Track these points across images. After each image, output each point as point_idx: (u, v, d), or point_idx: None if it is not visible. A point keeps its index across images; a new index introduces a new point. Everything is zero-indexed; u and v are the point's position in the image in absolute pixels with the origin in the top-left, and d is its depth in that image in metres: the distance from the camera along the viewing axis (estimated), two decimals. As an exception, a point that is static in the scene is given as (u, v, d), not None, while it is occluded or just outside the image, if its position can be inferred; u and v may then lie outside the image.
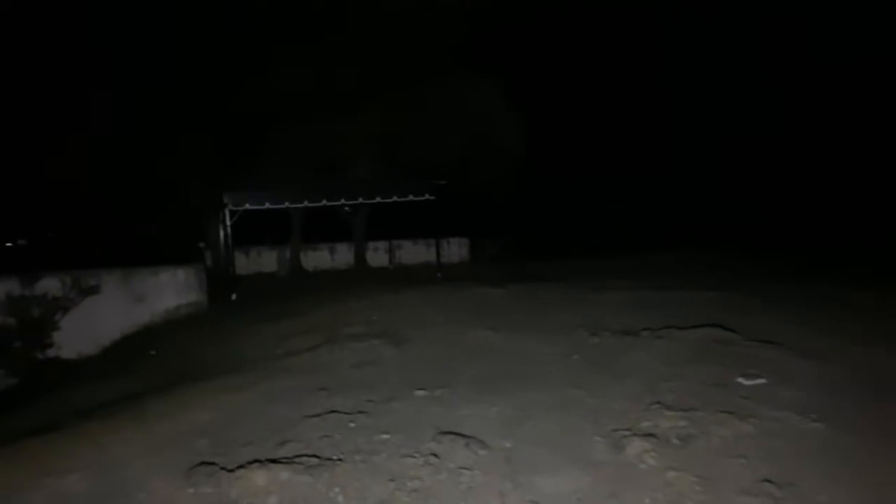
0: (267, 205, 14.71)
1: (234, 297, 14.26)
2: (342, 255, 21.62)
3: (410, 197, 16.07)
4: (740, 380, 5.57)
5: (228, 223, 14.47)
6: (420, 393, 5.74)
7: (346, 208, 18.85)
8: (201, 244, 18.26)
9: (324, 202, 15.17)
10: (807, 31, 21.20)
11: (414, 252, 21.95)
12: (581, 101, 22.82)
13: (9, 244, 26.97)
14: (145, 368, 9.26)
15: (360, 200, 15.75)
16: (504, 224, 26.97)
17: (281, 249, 20.69)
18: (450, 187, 24.44)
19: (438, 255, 17.04)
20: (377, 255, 21.84)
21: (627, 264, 16.33)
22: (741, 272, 14.19)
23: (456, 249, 22.91)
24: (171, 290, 12.26)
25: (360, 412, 5.29)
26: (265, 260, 20.71)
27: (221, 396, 6.21)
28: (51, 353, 11.09)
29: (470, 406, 5.34)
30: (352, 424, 4.99)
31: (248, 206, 14.53)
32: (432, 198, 16.16)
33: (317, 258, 21.43)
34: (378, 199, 15.60)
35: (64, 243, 23.23)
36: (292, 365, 7.52)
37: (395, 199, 15.80)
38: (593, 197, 26.71)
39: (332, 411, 5.34)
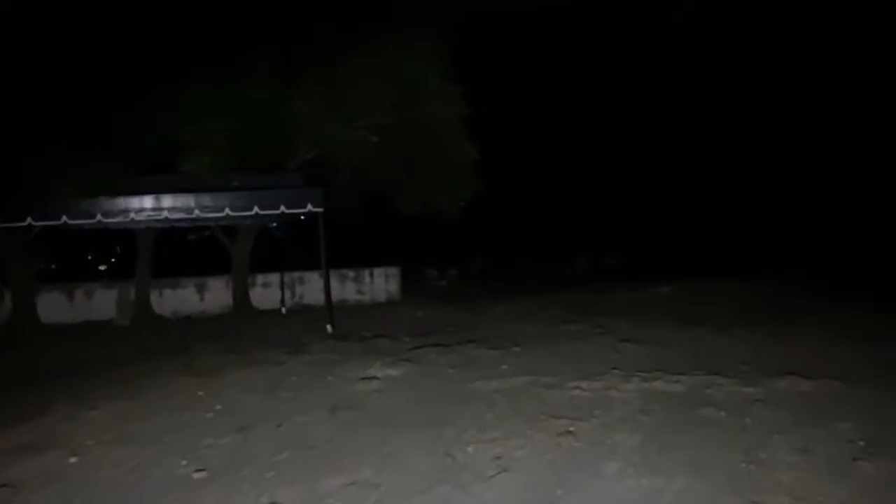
0: (30, 221, 9.29)
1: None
2: (217, 295, 16.01)
3: (282, 209, 10.74)
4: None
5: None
6: None
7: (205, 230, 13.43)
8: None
9: (131, 217, 9.74)
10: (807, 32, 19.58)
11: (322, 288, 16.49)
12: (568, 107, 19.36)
13: None
14: None
15: (198, 214, 10.29)
16: (461, 250, 22.28)
17: (124, 287, 15.06)
18: (382, 201, 19.31)
19: (328, 296, 11.63)
20: (269, 292, 16.35)
21: (622, 307, 11.09)
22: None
23: (382, 284, 17.52)
24: None
25: None
26: (98, 304, 14.98)
27: None
28: None
29: None
30: None
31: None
32: (317, 210, 10.83)
33: (179, 299, 15.75)
34: (223, 214, 10.18)
35: None
36: None
37: (254, 212, 10.45)
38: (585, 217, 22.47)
39: None
